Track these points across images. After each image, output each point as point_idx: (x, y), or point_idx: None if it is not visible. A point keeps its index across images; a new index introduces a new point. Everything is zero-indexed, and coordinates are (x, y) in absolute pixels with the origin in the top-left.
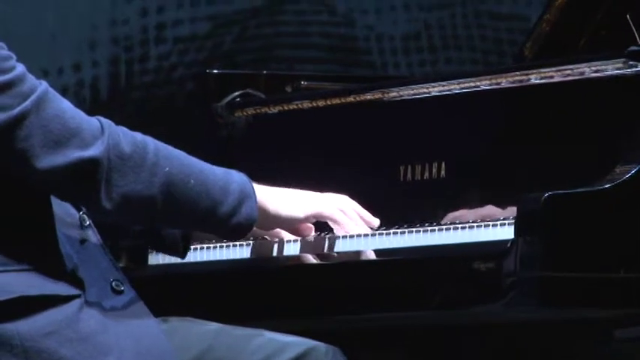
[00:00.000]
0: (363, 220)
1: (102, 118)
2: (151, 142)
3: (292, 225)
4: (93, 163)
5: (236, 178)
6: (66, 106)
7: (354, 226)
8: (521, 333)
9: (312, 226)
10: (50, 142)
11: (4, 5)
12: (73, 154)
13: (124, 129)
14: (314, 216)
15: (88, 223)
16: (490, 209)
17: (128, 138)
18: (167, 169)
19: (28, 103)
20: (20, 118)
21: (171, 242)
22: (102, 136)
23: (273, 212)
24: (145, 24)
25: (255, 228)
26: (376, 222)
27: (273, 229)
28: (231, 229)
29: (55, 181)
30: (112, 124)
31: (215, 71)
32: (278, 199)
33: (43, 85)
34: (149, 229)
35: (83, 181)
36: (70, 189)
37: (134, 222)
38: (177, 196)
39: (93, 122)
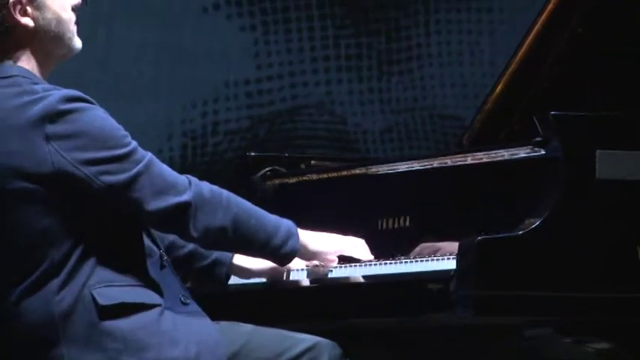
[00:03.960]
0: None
1: (189, 176)
2: (225, 192)
3: (325, 256)
4: (185, 205)
5: (285, 222)
6: (164, 167)
7: (364, 258)
8: (462, 332)
9: (336, 259)
10: (156, 192)
11: (114, 107)
12: (172, 200)
13: (206, 182)
14: (339, 251)
15: (165, 258)
16: (440, 248)
17: (208, 188)
18: (235, 210)
19: (140, 166)
20: (136, 176)
21: (218, 278)
22: (190, 187)
23: (312, 248)
24: (204, 122)
25: (297, 258)
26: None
27: (312, 259)
28: (281, 256)
29: (159, 219)
30: (196, 179)
31: (252, 154)
32: (316, 240)
33: (149, 154)
34: (206, 271)
35: (178, 218)
36: (169, 223)
37: (213, 247)
38: (242, 230)
39: (183, 178)
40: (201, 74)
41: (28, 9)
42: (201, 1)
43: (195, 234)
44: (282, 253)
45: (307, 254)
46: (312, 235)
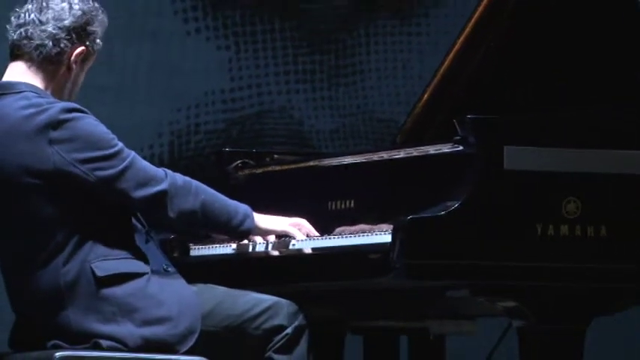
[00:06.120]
0: (309, 233)
1: (165, 169)
2: (194, 182)
3: (272, 234)
4: (163, 193)
5: (242, 206)
6: (145, 163)
7: (303, 236)
8: (397, 293)
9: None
10: (139, 183)
11: (115, 110)
12: (152, 189)
13: (179, 174)
14: (283, 232)
15: (150, 234)
16: (378, 225)
17: (181, 178)
18: (203, 196)
19: (126, 162)
20: (123, 171)
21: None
22: (166, 178)
23: (263, 227)
24: (188, 124)
25: (251, 235)
26: (315, 234)
27: (264, 236)
28: (239, 234)
29: (143, 205)
30: (171, 171)
31: (227, 150)
32: (265, 221)
33: (132, 153)
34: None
35: (158, 203)
36: (151, 208)
37: (186, 227)
38: (208, 211)
39: (160, 170)
40: (186, 85)
41: (78, 63)
42: (186, 26)
43: (172, 215)
44: (240, 231)
45: (260, 232)
46: (264, 217)
